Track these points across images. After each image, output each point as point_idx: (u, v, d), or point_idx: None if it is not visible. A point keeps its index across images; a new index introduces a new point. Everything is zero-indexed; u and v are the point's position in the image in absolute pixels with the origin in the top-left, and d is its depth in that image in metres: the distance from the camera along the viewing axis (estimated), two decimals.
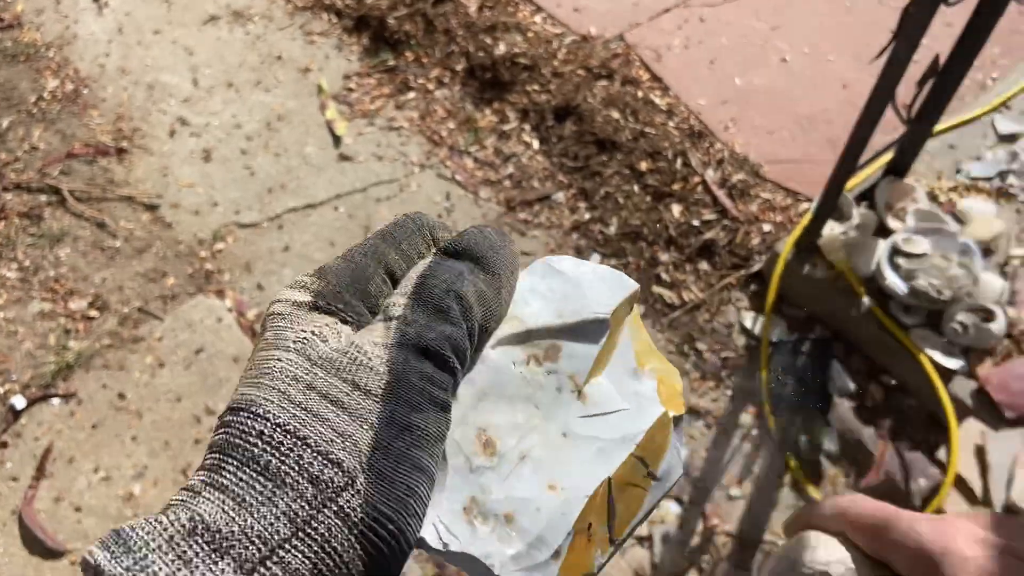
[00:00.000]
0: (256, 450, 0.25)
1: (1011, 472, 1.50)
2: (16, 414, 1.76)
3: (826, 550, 0.40)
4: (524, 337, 0.31)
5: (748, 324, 1.88)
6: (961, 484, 1.55)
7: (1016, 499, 1.44)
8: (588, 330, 0.32)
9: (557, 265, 0.33)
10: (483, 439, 0.30)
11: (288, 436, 0.25)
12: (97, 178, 2.16)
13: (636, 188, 2.09)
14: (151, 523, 0.24)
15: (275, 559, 0.24)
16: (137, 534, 0.23)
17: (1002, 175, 1.95)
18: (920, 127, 1.68)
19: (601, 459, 0.30)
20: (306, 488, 0.25)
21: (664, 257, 1.98)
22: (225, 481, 0.25)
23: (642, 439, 0.31)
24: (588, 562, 0.30)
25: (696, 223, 2.01)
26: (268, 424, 0.26)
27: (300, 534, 0.24)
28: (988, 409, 1.61)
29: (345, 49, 2.48)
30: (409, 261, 0.32)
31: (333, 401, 0.26)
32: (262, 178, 2.17)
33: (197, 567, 0.23)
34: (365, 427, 0.26)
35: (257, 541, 0.24)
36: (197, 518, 0.24)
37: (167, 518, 0.24)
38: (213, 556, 0.23)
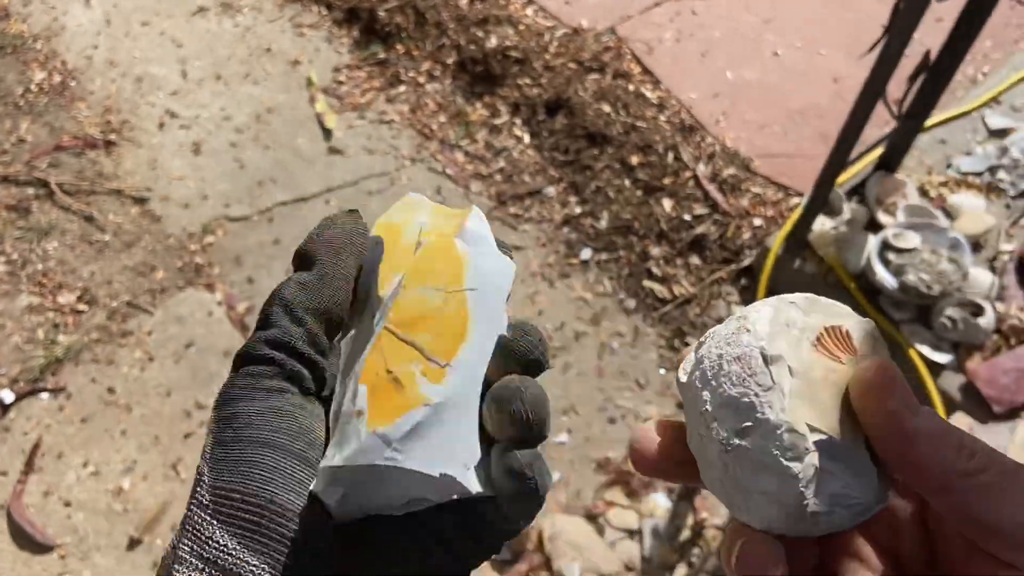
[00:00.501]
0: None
1: None
2: (4, 408, 1.75)
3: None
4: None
5: None
6: None
7: None
8: (373, 258, 0.36)
9: None
10: (348, 391, 0.32)
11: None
12: (85, 171, 2.14)
13: (627, 182, 2.09)
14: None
15: (176, 557, 0.29)
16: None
17: (992, 170, 1.95)
18: (911, 122, 1.68)
19: (379, 322, 0.33)
20: (188, 497, 0.31)
21: (655, 251, 1.98)
22: None
23: (407, 277, 0.34)
24: (410, 399, 0.30)
25: (687, 217, 2.01)
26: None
27: (183, 531, 0.30)
28: (976, 403, 1.62)
29: (335, 42, 2.47)
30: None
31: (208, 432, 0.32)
32: (252, 171, 2.16)
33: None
34: (209, 434, 0.31)
35: (169, 548, 0.30)
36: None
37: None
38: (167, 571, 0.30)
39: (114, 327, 1.88)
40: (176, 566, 0.29)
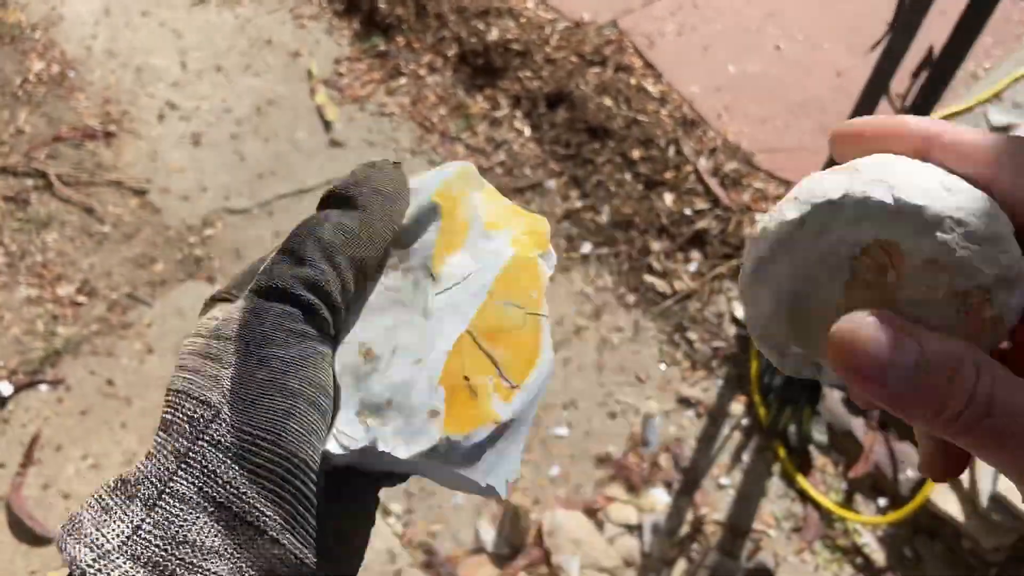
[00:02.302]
0: (165, 415, 0.30)
1: None
2: (3, 401, 1.75)
3: (955, 181, 0.25)
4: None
5: (740, 314, 1.88)
6: None
7: (1003, 491, 1.45)
8: (421, 219, 0.34)
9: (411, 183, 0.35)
10: (363, 351, 0.32)
11: (177, 395, 0.30)
12: (84, 162, 2.14)
13: (628, 176, 2.08)
14: (91, 495, 0.29)
15: (167, 491, 0.28)
16: (84, 501, 0.29)
17: None
18: None
19: (456, 318, 0.32)
20: (184, 428, 0.29)
21: (656, 246, 1.98)
22: (151, 448, 0.30)
23: (495, 285, 0.33)
24: (483, 413, 0.31)
25: (688, 212, 2.01)
26: (170, 392, 0.30)
27: (184, 466, 0.28)
28: None
29: (335, 33, 2.46)
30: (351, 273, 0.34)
31: (206, 356, 0.30)
32: (252, 163, 2.15)
33: (115, 512, 0.28)
34: (223, 365, 0.30)
35: (155, 480, 0.28)
36: (120, 477, 0.29)
37: (101, 486, 0.29)
38: (127, 501, 0.28)
39: (114, 319, 1.88)
40: (169, 500, 0.28)
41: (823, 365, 0.29)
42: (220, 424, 0.29)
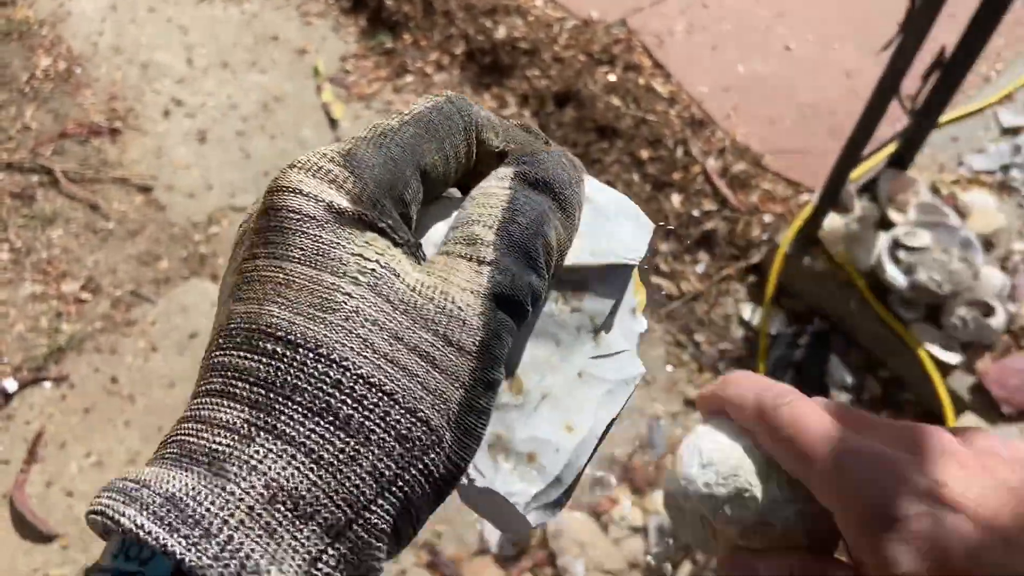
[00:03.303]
0: (332, 400, 0.23)
1: None
2: (7, 397, 1.75)
3: (717, 452, 0.34)
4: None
5: (747, 316, 1.87)
6: None
7: None
8: (615, 274, 0.32)
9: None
10: (511, 379, 0.29)
11: (372, 390, 0.23)
12: (90, 159, 2.13)
13: (636, 177, 2.07)
14: (217, 493, 0.21)
15: (360, 521, 0.22)
16: (206, 508, 0.21)
17: (1005, 168, 1.93)
18: (925, 119, 1.66)
19: (609, 400, 0.31)
20: (393, 447, 0.23)
21: (663, 247, 1.97)
22: (289, 431, 0.22)
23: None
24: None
25: (696, 213, 2.00)
26: (347, 373, 0.23)
27: (386, 494, 0.23)
28: (985, 404, 1.61)
29: (342, 30, 2.45)
30: (447, 164, 0.28)
31: (423, 356, 0.24)
32: (257, 161, 2.15)
33: (283, 537, 0.21)
34: (456, 385, 0.24)
35: (343, 504, 0.22)
36: (274, 484, 0.22)
37: (235, 486, 0.21)
38: (297, 523, 0.22)
39: (118, 316, 1.87)
40: (361, 532, 0.23)
41: None
42: (438, 454, 0.24)
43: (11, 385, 1.75)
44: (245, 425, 0.22)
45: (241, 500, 0.21)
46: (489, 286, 0.25)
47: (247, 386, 0.23)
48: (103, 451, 1.70)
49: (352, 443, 0.23)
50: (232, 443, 0.22)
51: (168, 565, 0.20)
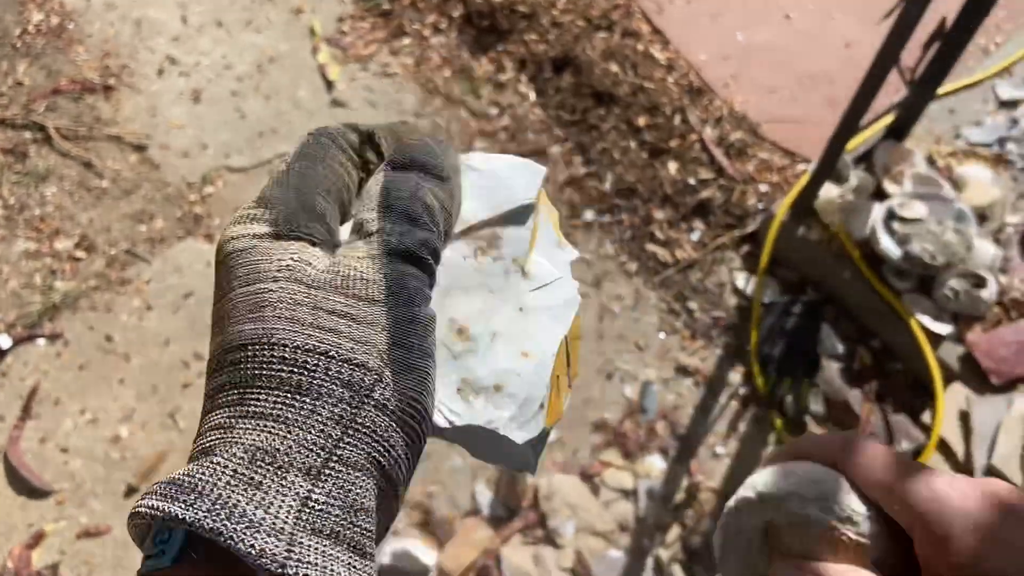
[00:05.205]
0: (283, 374, 0.27)
1: (994, 437, 1.52)
2: (2, 354, 1.75)
3: (799, 467, 0.34)
4: (467, 232, 0.36)
5: (740, 284, 1.88)
6: (944, 448, 1.57)
7: (998, 464, 1.46)
8: (518, 216, 0.36)
9: (470, 162, 0.37)
10: (456, 328, 0.34)
11: (311, 354, 0.27)
12: (83, 116, 2.11)
13: (633, 144, 2.07)
14: (206, 466, 0.25)
15: (335, 459, 0.26)
16: (199, 478, 0.25)
17: (1001, 141, 1.94)
18: (923, 90, 1.66)
19: (556, 322, 0.35)
20: (343, 393, 0.27)
21: (659, 215, 1.97)
22: (257, 409, 0.27)
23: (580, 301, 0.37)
24: (560, 408, 0.35)
25: (692, 181, 2.00)
26: (287, 349, 0.27)
27: (350, 431, 0.27)
28: (974, 375, 1.63)
29: None
30: (343, 176, 0.34)
31: (342, 315, 0.29)
32: (253, 121, 2.13)
33: (269, 487, 0.25)
34: (377, 329, 0.29)
35: (316, 448, 0.26)
36: (251, 447, 0.26)
37: (219, 457, 0.26)
38: (279, 473, 0.25)
39: (112, 275, 1.87)
40: (338, 467, 0.26)
41: None
42: (384, 388, 0.28)
43: (5, 342, 1.75)
44: (228, 420, 0.27)
45: (226, 467, 0.25)
46: (381, 246, 0.31)
47: (226, 395, 0.28)
48: (97, 408, 1.70)
49: (308, 400, 0.27)
50: (219, 436, 0.27)
51: (179, 538, 0.25)
